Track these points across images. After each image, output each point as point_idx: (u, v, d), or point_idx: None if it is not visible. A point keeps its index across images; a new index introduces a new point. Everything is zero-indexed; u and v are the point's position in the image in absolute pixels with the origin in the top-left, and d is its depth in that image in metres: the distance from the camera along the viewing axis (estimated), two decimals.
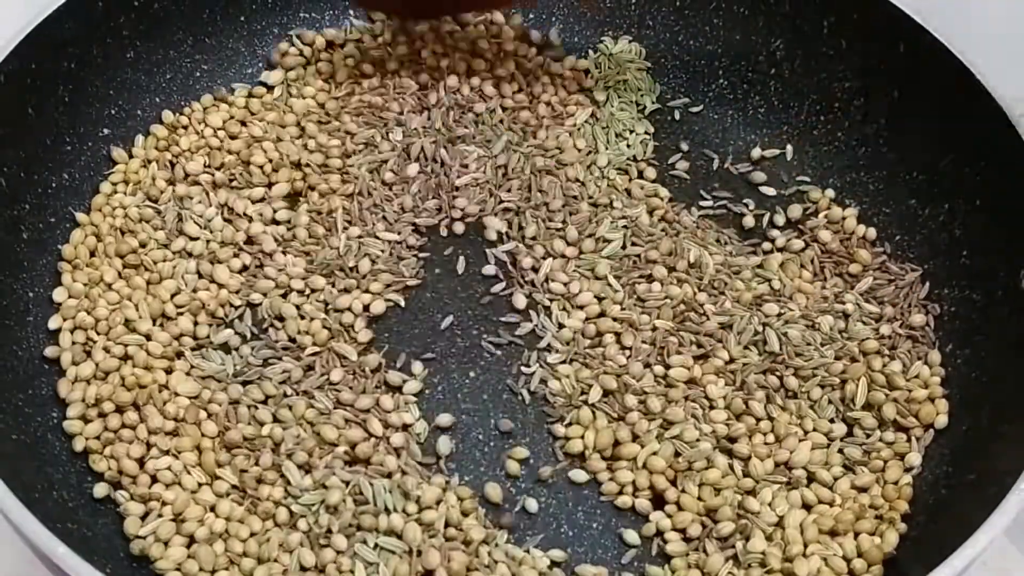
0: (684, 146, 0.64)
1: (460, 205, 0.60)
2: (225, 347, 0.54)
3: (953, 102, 0.56)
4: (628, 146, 0.64)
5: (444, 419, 0.53)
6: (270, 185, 0.60)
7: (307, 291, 0.56)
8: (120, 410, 0.51)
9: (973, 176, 0.56)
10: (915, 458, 0.51)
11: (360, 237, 0.58)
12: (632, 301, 0.56)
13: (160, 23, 0.61)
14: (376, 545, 0.48)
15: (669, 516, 0.50)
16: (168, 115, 0.61)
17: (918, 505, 0.50)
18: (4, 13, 0.57)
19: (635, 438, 0.52)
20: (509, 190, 0.61)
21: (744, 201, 0.62)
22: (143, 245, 0.57)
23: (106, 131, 0.60)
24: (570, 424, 0.53)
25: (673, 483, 0.51)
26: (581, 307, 0.56)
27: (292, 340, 0.54)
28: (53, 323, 0.53)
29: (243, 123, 0.62)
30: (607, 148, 0.63)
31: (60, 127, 0.57)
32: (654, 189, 0.62)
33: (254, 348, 0.54)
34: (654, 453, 0.51)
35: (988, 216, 0.55)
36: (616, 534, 0.50)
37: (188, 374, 0.53)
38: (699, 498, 0.50)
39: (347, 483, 0.49)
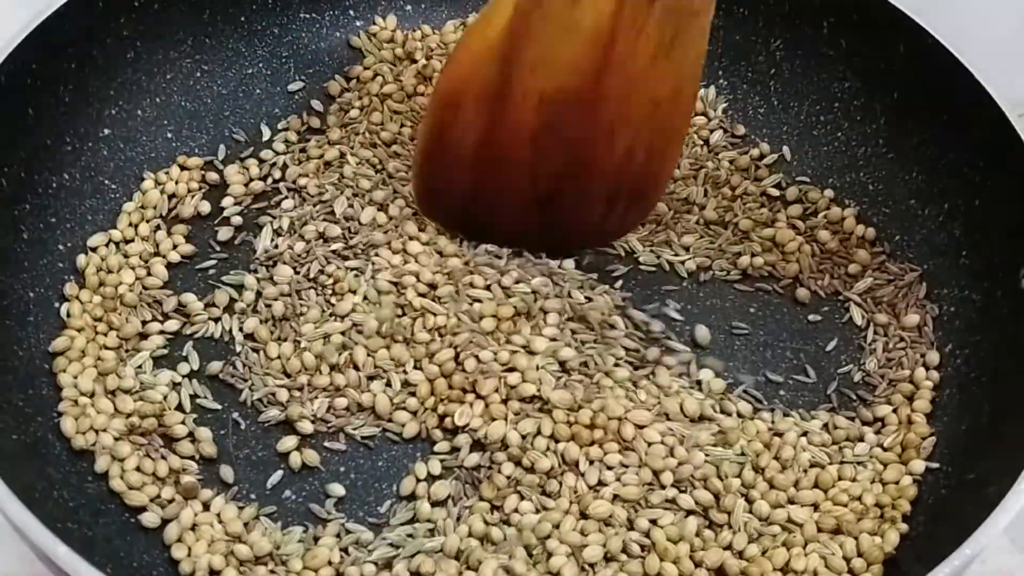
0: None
1: None
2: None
3: (953, 102, 0.56)
4: None
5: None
6: None
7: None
8: None
9: (973, 176, 0.56)
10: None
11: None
12: None
13: (160, 23, 0.61)
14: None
15: None
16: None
17: (918, 505, 0.50)
18: (4, 13, 0.57)
19: None
20: None
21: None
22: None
23: (106, 131, 0.59)
24: None
25: None
26: None
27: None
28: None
29: None
30: None
31: (60, 127, 0.57)
32: None
33: None
34: None
35: (987, 216, 0.55)
36: None
37: None
38: None
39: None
